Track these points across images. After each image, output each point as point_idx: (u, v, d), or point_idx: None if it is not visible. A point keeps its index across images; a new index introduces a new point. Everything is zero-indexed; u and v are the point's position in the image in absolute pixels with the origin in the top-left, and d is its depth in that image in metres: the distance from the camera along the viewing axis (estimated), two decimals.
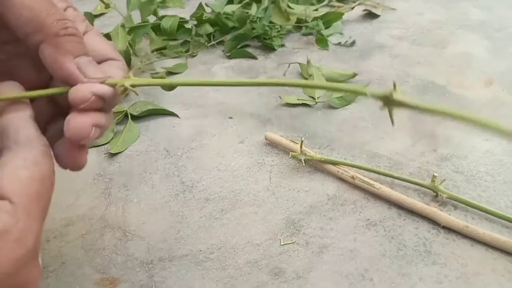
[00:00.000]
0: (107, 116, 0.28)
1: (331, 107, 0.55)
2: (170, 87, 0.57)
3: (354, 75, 0.60)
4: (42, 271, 0.32)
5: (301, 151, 0.46)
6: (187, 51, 0.69)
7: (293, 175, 0.46)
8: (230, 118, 0.55)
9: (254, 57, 0.67)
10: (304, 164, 0.46)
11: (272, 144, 0.50)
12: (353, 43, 0.68)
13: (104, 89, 0.26)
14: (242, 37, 0.69)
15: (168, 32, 0.69)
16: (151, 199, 0.45)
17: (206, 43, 0.69)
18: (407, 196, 0.41)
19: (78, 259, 0.39)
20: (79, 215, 0.44)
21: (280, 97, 0.57)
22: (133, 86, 0.27)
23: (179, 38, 0.71)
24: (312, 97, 0.57)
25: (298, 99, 0.56)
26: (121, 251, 0.40)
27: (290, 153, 0.46)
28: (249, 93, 0.59)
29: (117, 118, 0.54)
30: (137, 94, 0.28)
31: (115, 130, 0.53)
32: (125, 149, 0.51)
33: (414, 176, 0.44)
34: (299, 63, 0.62)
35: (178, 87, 0.60)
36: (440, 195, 0.41)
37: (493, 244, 0.37)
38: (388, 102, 0.21)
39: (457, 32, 0.70)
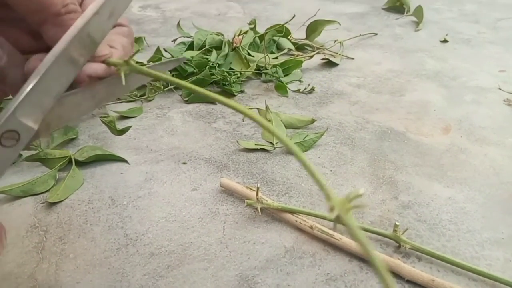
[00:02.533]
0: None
1: (290, 153, 0.53)
2: (120, 132, 0.53)
3: (313, 121, 0.58)
4: None
5: (257, 198, 0.43)
6: (142, 95, 0.66)
7: (249, 226, 0.43)
8: (184, 163, 0.51)
9: (213, 102, 0.65)
10: (260, 213, 0.43)
11: (227, 192, 0.47)
12: (312, 90, 0.68)
13: (100, 70, 0.25)
14: (200, 82, 0.67)
15: None
16: (90, 254, 0.40)
17: (163, 87, 0.67)
18: None
19: None
20: (5, 273, 0.38)
21: (237, 141, 0.55)
22: (130, 70, 0.25)
23: None
24: (271, 143, 0.54)
25: (256, 144, 0.54)
26: None
27: (246, 201, 0.43)
28: (206, 138, 0.56)
29: (60, 164, 0.50)
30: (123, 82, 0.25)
31: (57, 177, 0.49)
32: (66, 198, 0.47)
33: (376, 225, 0.42)
34: (257, 109, 0.61)
35: (130, 132, 0.57)
36: (403, 246, 0.39)
37: None
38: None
39: (414, 81, 0.71)
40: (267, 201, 0.43)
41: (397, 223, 0.39)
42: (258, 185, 0.43)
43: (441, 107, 0.63)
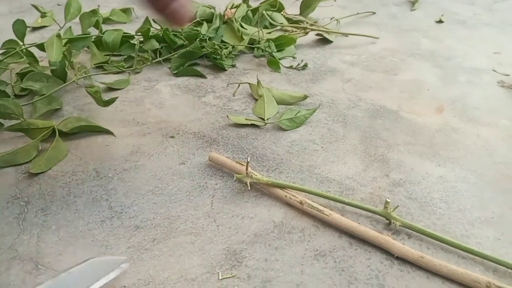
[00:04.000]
0: None
1: (281, 129, 0.52)
2: (105, 103, 0.52)
3: (305, 97, 0.57)
4: None
5: (247, 173, 0.41)
6: (130, 66, 0.64)
7: (238, 200, 0.42)
8: (172, 137, 0.50)
9: (203, 76, 0.63)
10: (249, 188, 0.42)
11: (216, 166, 0.46)
12: (305, 66, 0.66)
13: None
14: (190, 55, 0.65)
15: (110, 46, 0.64)
16: (73, 226, 0.39)
17: (151, 59, 0.65)
18: (359, 223, 0.38)
19: None
20: None
21: (228, 116, 0.53)
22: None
23: (122, 53, 0.67)
24: (262, 118, 0.53)
25: (246, 119, 0.52)
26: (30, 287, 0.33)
27: (235, 175, 0.42)
28: (195, 112, 0.55)
29: (43, 134, 0.48)
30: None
31: (39, 148, 0.47)
32: (49, 169, 0.45)
33: (366, 202, 0.41)
34: (249, 84, 0.59)
35: (116, 104, 0.55)
36: (393, 223, 0.38)
37: (450, 276, 0.34)
38: None
39: (408, 60, 0.70)
40: (256, 175, 0.42)
41: (388, 200, 0.38)
42: (248, 159, 0.42)
43: (435, 87, 0.62)
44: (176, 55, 0.65)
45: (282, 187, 0.41)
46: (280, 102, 0.57)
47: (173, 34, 0.66)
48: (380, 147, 0.49)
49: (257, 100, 0.57)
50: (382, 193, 0.43)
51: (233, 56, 0.68)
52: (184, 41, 0.67)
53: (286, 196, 0.41)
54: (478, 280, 0.33)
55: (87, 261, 0.30)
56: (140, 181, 0.44)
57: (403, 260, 0.36)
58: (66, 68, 0.58)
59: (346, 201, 0.40)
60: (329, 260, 0.36)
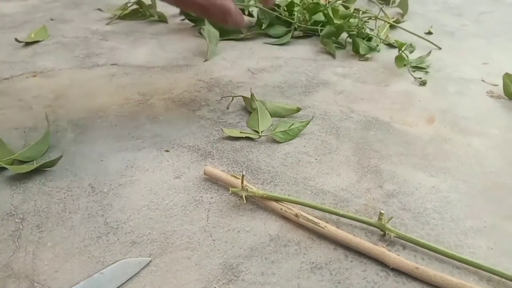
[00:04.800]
0: None
1: (275, 141, 0.53)
2: None
3: (298, 110, 0.58)
4: None
5: (242, 186, 0.42)
6: None
7: (233, 214, 0.42)
8: (167, 151, 0.50)
9: (195, 90, 0.64)
10: (245, 201, 0.42)
11: (211, 180, 0.46)
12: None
13: None
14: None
15: None
16: (69, 242, 0.39)
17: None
18: (354, 235, 0.39)
19: None
20: None
21: (222, 129, 0.54)
22: None
23: None
24: (256, 131, 0.54)
25: (241, 132, 0.53)
26: None
27: (231, 189, 0.42)
28: (189, 125, 0.55)
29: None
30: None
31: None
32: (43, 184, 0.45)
33: (361, 214, 0.42)
34: (242, 97, 0.60)
35: (111, 116, 0.56)
36: (388, 234, 0.39)
37: (445, 286, 0.34)
38: None
39: (399, 72, 0.71)
40: (252, 189, 0.42)
41: (382, 211, 0.39)
42: (243, 173, 0.42)
43: (425, 98, 0.63)
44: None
45: (277, 200, 0.42)
46: (273, 114, 0.57)
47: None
48: (373, 158, 0.50)
49: (251, 113, 0.57)
50: (376, 205, 0.43)
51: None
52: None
53: (281, 209, 0.41)
54: None
55: (116, 263, 0.36)
56: (136, 196, 0.44)
57: (398, 271, 0.36)
58: None
59: (341, 213, 0.40)
60: (325, 273, 0.36)
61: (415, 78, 0.68)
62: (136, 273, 0.35)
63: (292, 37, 0.81)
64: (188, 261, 0.37)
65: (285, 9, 0.82)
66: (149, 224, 0.40)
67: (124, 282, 0.34)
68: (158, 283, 0.35)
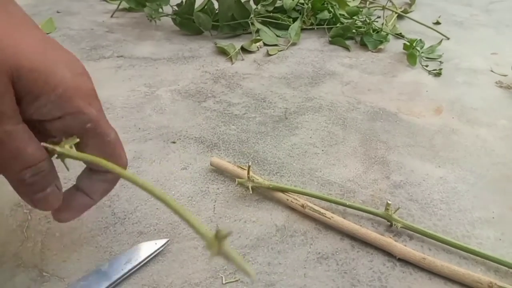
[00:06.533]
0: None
1: (281, 132, 0.52)
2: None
3: None
4: None
5: (248, 177, 0.42)
6: None
7: (240, 204, 0.42)
8: (173, 142, 0.50)
9: (202, 81, 0.63)
10: (251, 192, 0.42)
11: (217, 171, 0.46)
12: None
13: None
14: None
15: None
16: (76, 233, 0.39)
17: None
18: (361, 225, 0.38)
19: None
20: None
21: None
22: (60, 154, 0.29)
23: None
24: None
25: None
26: None
27: (237, 180, 0.42)
28: (196, 117, 0.55)
29: None
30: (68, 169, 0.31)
31: None
32: None
33: (367, 204, 0.42)
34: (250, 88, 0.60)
35: (118, 108, 0.56)
36: (395, 225, 0.38)
37: (451, 277, 0.34)
38: None
39: (406, 62, 0.70)
40: (258, 179, 0.42)
41: (389, 202, 0.38)
42: (250, 164, 0.42)
43: (433, 88, 0.63)
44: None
45: (283, 190, 0.42)
46: None
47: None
48: (380, 149, 0.50)
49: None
50: (383, 195, 0.43)
51: None
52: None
53: (288, 199, 0.41)
54: (480, 280, 0.33)
55: (135, 246, 0.37)
56: None
57: (405, 261, 0.36)
58: None
59: (347, 203, 0.40)
60: (332, 263, 0.36)
61: (429, 72, 0.67)
62: (153, 253, 0.36)
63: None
64: (195, 251, 0.37)
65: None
66: (156, 215, 0.41)
67: (141, 262, 0.36)
68: (165, 272, 0.35)
